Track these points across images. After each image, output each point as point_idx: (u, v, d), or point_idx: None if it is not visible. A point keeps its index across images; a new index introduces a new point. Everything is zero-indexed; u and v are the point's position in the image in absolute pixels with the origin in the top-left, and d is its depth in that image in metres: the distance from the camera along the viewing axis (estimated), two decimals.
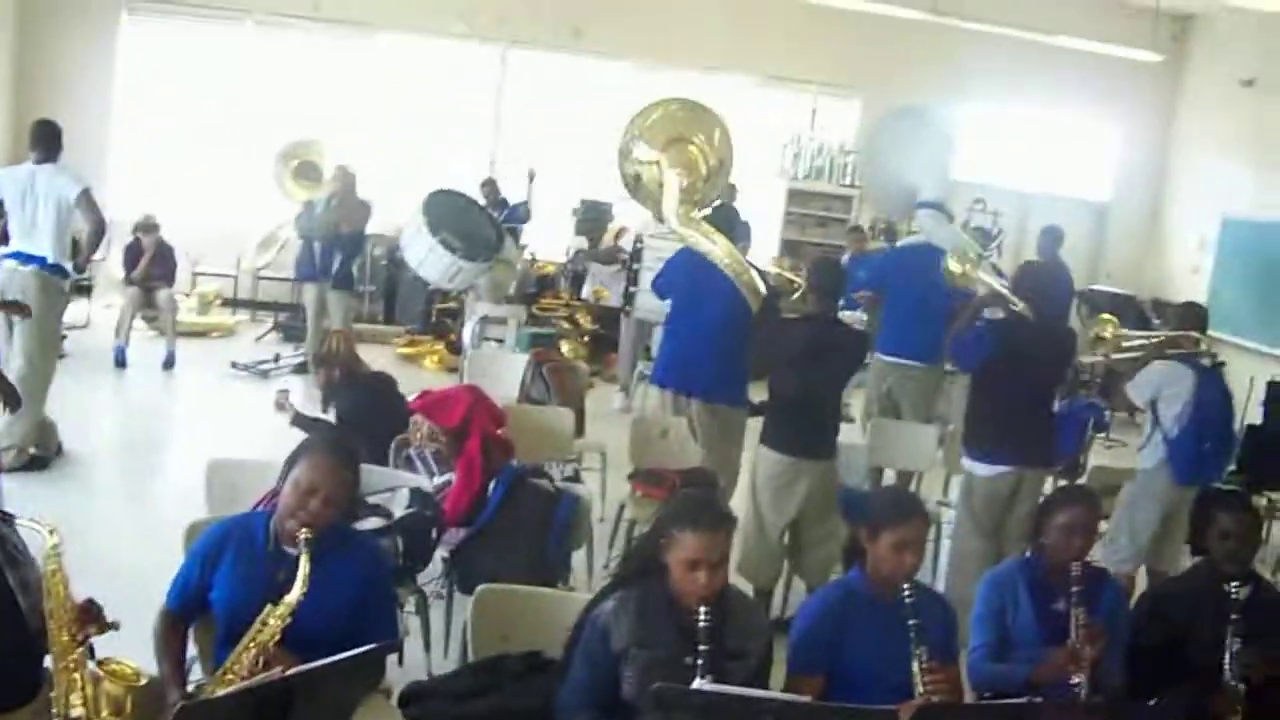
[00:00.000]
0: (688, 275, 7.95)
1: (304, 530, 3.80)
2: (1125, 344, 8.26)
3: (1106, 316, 8.76)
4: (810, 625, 4.21)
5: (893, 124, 9.98)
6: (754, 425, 7.46)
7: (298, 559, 3.78)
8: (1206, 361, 7.44)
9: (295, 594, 3.71)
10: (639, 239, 10.85)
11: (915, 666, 3.93)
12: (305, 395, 10.78)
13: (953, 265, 8.03)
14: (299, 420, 6.95)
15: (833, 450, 6.93)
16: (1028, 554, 4.91)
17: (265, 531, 3.96)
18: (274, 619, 3.70)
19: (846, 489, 7.26)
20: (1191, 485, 7.24)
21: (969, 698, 4.56)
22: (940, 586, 7.41)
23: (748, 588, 6.32)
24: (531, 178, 13.64)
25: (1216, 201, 15.27)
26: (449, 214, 11.05)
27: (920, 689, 3.89)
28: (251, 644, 3.69)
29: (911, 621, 3.95)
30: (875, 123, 10.16)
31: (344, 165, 12.22)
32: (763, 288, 7.71)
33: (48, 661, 3.57)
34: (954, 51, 14.86)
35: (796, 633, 4.22)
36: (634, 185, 8.48)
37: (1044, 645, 4.50)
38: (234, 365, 11.46)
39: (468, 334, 11.07)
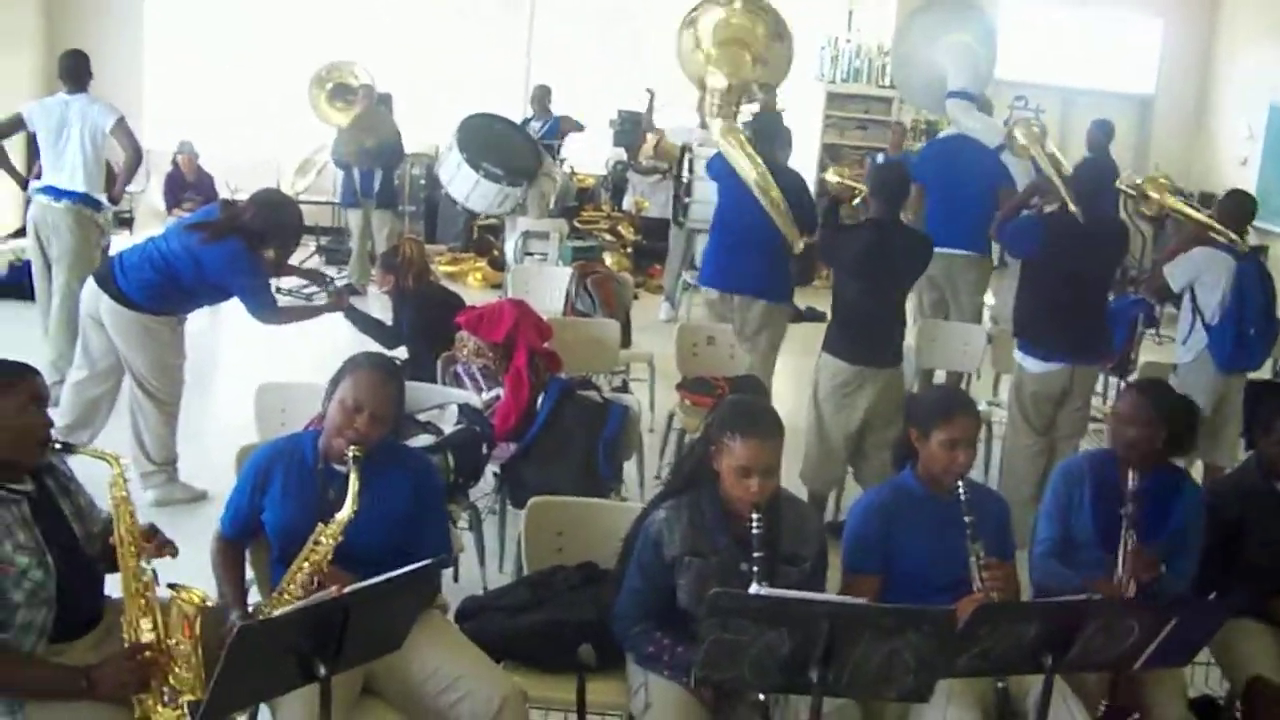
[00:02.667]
0: (733, 175, 7.91)
1: (352, 448, 3.80)
2: (1171, 207, 8.19)
3: (1158, 175, 8.64)
4: (863, 524, 4.21)
5: (924, 16, 9.88)
6: (805, 331, 7.46)
7: (347, 476, 3.79)
8: (1245, 248, 7.36)
9: (346, 511, 3.73)
10: (688, 148, 10.76)
11: (972, 563, 3.93)
12: (345, 319, 10.91)
13: (1019, 135, 7.98)
14: (353, 316, 7.01)
15: (898, 357, 6.87)
16: (1104, 447, 4.87)
17: (314, 451, 3.98)
18: (326, 537, 3.72)
19: (910, 395, 7.25)
20: (1237, 373, 7.22)
21: (1029, 593, 4.58)
22: (994, 485, 7.42)
23: (802, 491, 6.33)
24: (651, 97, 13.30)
25: (1264, 90, 15.01)
26: (486, 140, 11.05)
27: (978, 585, 3.89)
28: (305, 563, 3.72)
29: (967, 518, 3.95)
30: (907, 14, 9.99)
31: (368, 84, 12.20)
32: (780, 199, 7.66)
33: (105, 590, 3.62)
34: None
35: (850, 532, 4.22)
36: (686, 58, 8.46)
37: (1102, 550, 4.49)
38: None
39: (510, 249, 11.07)
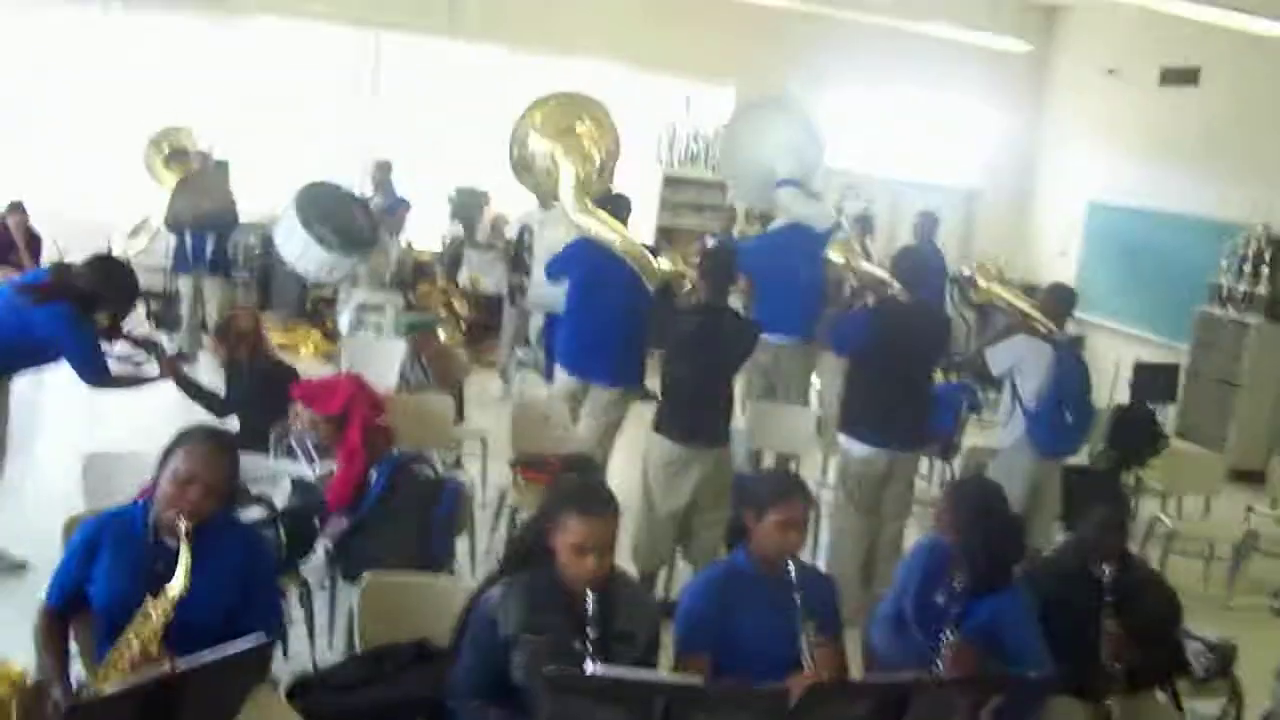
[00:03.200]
0: (588, 262, 8.03)
1: (184, 521, 3.75)
2: (996, 294, 8.43)
3: (987, 262, 8.91)
4: (696, 604, 4.26)
5: (750, 113, 10.13)
6: (641, 410, 7.54)
7: (177, 550, 3.73)
8: (1064, 338, 7.64)
9: (177, 586, 3.67)
10: (525, 230, 10.83)
11: (804, 641, 4.00)
12: (176, 386, 10.70)
13: (834, 255, 8.19)
14: (184, 384, 6.92)
15: (725, 437, 7.01)
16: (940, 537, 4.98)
17: (144, 523, 3.91)
18: (155, 611, 3.66)
19: (738, 475, 7.36)
20: (1054, 458, 7.46)
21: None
22: (821, 565, 7.55)
23: (633, 570, 6.38)
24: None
25: (1083, 187, 15.61)
26: (323, 208, 10.98)
27: (809, 664, 3.96)
28: (133, 638, 3.65)
29: (798, 596, 4.02)
30: (733, 113, 10.25)
31: (204, 151, 12.07)
32: (660, 268, 7.83)
33: None
34: (826, 39, 14.95)
35: (683, 613, 4.27)
36: (524, 173, 8.57)
37: (924, 635, 4.61)
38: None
39: (344, 321, 11.00)
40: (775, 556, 4.19)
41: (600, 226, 8.05)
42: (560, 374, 8.33)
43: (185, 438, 3.95)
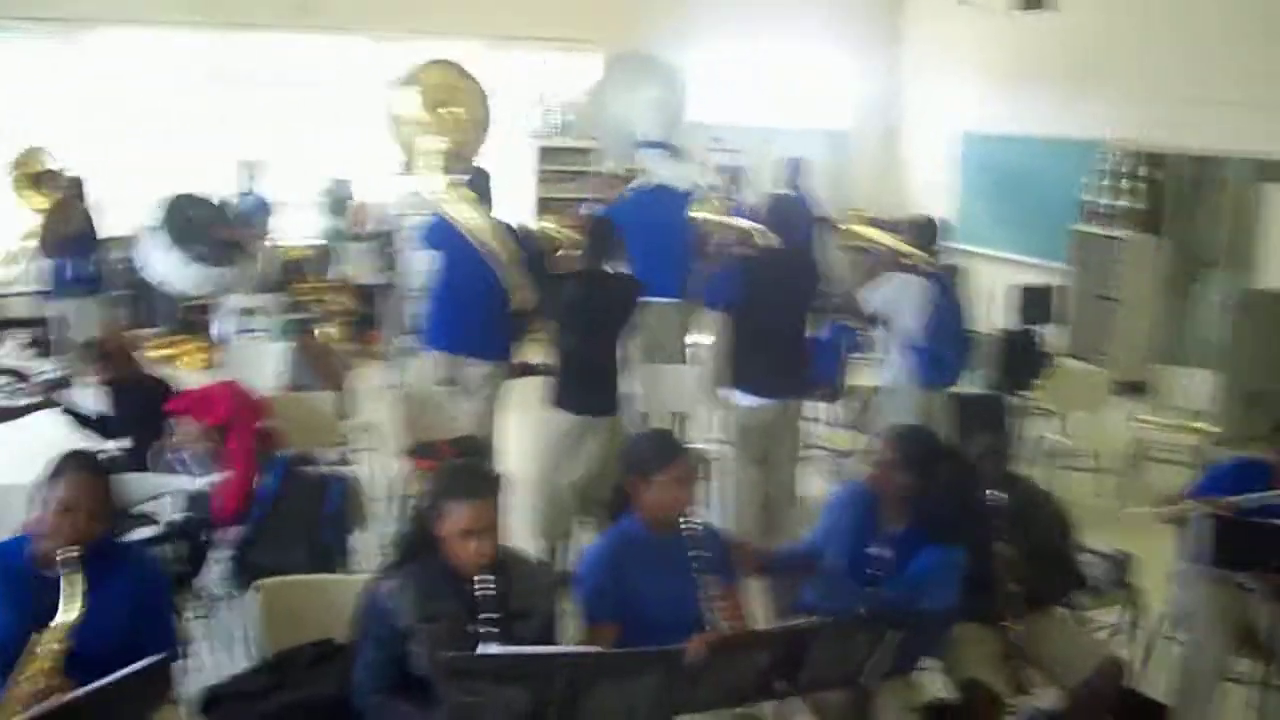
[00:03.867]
0: (448, 239, 7.97)
1: (68, 549, 3.70)
2: (864, 235, 8.49)
3: (856, 210, 8.98)
4: (594, 575, 4.27)
5: (612, 74, 10.12)
6: (525, 386, 7.54)
7: (57, 581, 3.69)
8: (935, 270, 7.70)
9: (72, 614, 3.63)
10: (396, 215, 10.76)
11: (704, 596, 4.02)
12: (57, 411, 10.52)
13: (699, 213, 8.22)
14: (69, 410, 6.81)
15: (617, 404, 7.01)
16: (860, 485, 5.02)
17: (24, 557, 3.84)
18: (46, 645, 3.60)
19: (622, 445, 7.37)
20: (936, 389, 7.52)
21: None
22: (716, 521, 7.59)
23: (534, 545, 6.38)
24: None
25: (955, 119, 15.74)
26: (184, 222, 10.87)
27: (711, 619, 3.98)
28: (26, 674, 3.58)
29: (692, 552, 4.04)
30: (597, 76, 10.24)
31: (62, 169, 11.85)
32: (500, 249, 7.78)
33: None
34: None
35: (582, 585, 4.28)
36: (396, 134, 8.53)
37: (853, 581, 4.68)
38: None
39: (221, 329, 10.88)
40: (667, 517, 4.21)
41: (466, 207, 7.99)
42: (429, 354, 8.28)
43: (58, 468, 3.90)
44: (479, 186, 8.27)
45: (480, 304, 7.89)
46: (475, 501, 3.77)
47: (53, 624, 3.62)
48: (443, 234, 8.10)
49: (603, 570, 4.26)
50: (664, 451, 4.34)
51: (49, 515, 3.79)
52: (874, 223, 9.16)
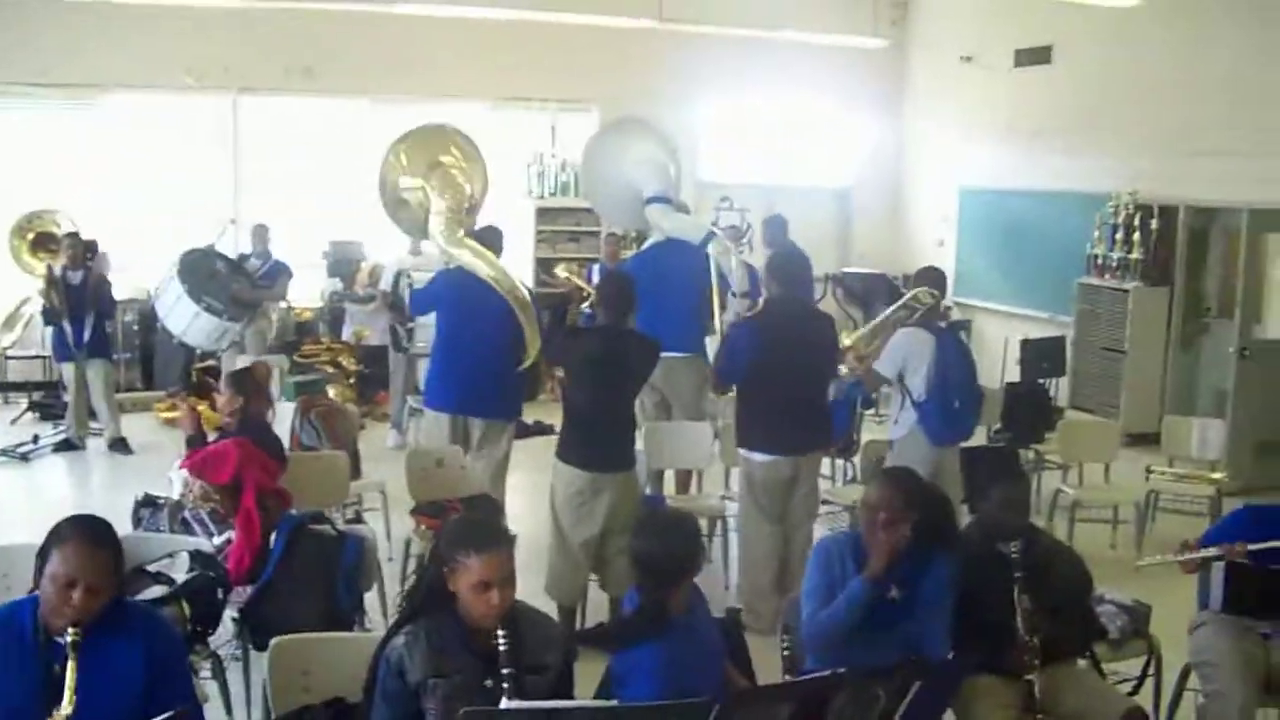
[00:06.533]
0: (458, 295, 8.00)
1: (71, 631, 3.58)
2: (870, 338, 8.41)
3: (845, 335, 8.81)
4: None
5: (601, 140, 10.12)
6: (535, 445, 7.50)
7: (67, 648, 3.61)
8: (943, 323, 7.67)
9: (65, 709, 3.52)
10: (402, 274, 10.76)
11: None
12: (69, 473, 10.53)
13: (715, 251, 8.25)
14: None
15: (632, 460, 6.98)
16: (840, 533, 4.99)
17: (33, 621, 3.71)
18: None
19: (646, 496, 7.37)
20: (947, 445, 7.47)
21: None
22: (733, 577, 7.56)
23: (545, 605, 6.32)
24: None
25: (953, 175, 15.82)
26: (204, 275, 10.92)
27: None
28: None
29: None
30: (586, 143, 10.24)
31: (73, 232, 11.88)
32: (527, 298, 7.82)
33: None
34: (686, 56, 15.02)
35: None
36: (397, 211, 8.54)
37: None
38: None
39: None
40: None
41: (474, 258, 8.01)
42: (431, 415, 8.24)
43: (57, 538, 3.73)
44: (489, 242, 8.29)
45: (488, 363, 7.89)
46: (490, 553, 3.74)
47: (56, 714, 3.53)
48: (452, 287, 8.11)
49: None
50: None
51: (50, 589, 3.65)
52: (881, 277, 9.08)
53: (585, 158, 10.21)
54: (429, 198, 8.56)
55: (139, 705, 3.71)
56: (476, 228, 8.66)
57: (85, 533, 3.78)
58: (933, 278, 7.91)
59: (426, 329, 9.36)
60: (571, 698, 3.83)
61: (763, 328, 7.20)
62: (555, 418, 7.78)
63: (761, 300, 7.65)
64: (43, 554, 3.72)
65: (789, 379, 7.03)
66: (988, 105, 15.14)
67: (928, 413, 7.38)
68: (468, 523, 4.12)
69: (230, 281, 11.40)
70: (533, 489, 8.68)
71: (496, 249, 8.29)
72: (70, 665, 3.55)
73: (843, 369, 7.96)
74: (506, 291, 7.84)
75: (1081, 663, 5.30)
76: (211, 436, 7.02)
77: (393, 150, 8.81)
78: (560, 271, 9.87)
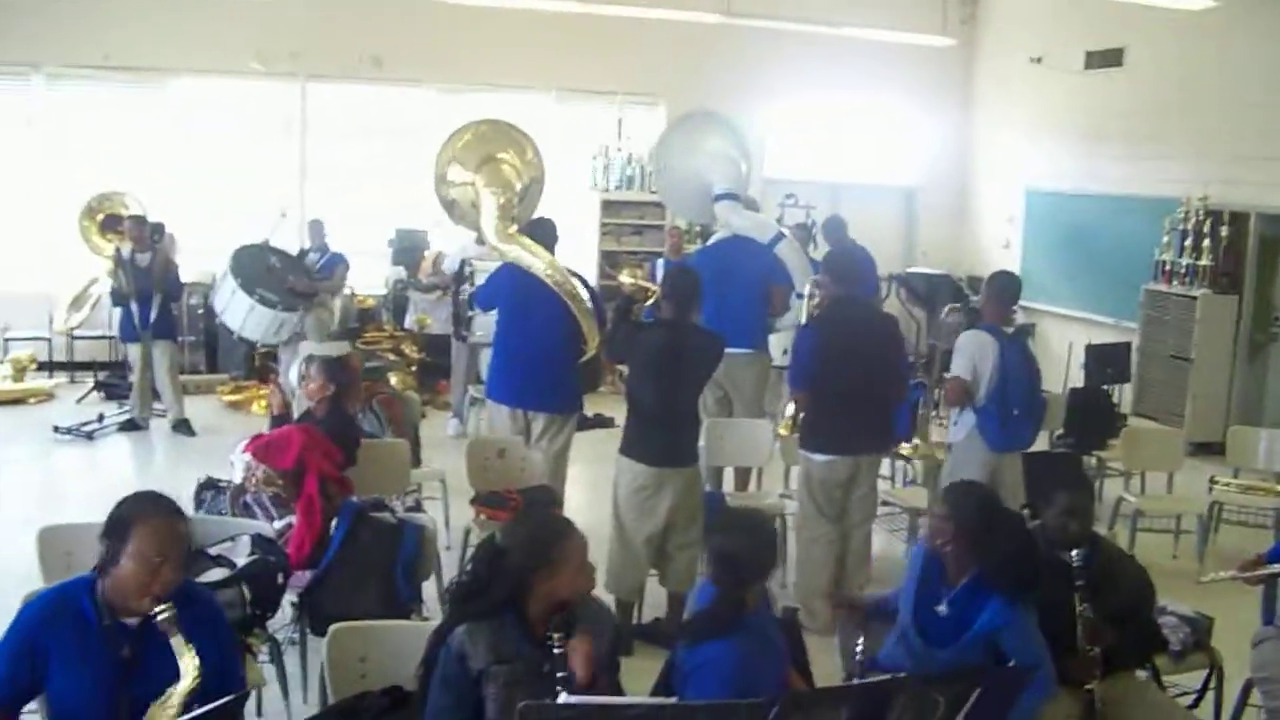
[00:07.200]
0: (514, 290, 8.02)
1: (164, 611, 3.59)
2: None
3: None
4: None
5: (677, 130, 10.11)
6: (595, 438, 7.49)
7: (138, 631, 3.66)
8: (1009, 329, 7.57)
9: (187, 681, 3.59)
10: (466, 263, 10.80)
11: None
12: (132, 453, 10.61)
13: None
14: None
15: (695, 456, 6.96)
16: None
17: (94, 605, 3.69)
18: (164, 713, 3.59)
19: (706, 493, 7.35)
20: (1005, 452, 7.37)
21: None
22: (790, 576, 7.53)
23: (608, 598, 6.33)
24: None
25: (1019, 176, 15.72)
26: (259, 268, 11.00)
27: None
28: None
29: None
30: (662, 133, 10.22)
31: (140, 215, 11.97)
32: (585, 295, 7.82)
33: None
34: (753, 51, 15.02)
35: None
36: (450, 208, 8.55)
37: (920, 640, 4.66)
38: (56, 429, 11.12)
39: (292, 375, 10.92)
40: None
41: (524, 253, 8.02)
42: (494, 407, 8.25)
43: (139, 514, 3.72)
44: (542, 235, 8.29)
45: (546, 357, 7.91)
46: (576, 536, 3.96)
47: (173, 690, 3.58)
48: (509, 283, 8.14)
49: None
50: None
51: (138, 569, 3.63)
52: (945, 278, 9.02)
53: (659, 147, 10.22)
54: (478, 193, 8.58)
55: (201, 683, 3.69)
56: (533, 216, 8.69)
57: (167, 507, 3.82)
58: (1005, 286, 7.73)
59: (486, 318, 9.38)
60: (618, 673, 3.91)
61: (821, 329, 7.16)
62: (616, 410, 7.78)
63: (818, 297, 7.59)
64: (118, 533, 3.70)
65: (848, 379, 6.98)
66: (1056, 107, 15.03)
67: (987, 417, 7.31)
68: (541, 522, 4.13)
69: (285, 275, 11.46)
70: (593, 482, 8.69)
71: (549, 241, 8.29)
72: (177, 638, 3.60)
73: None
74: (559, 286, 7.85)
75: (1142, 674, 5.26)
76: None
77: (449, 142, 8.84)
78: (625, 277, 9.84)
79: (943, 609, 4.67)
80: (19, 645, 3.66)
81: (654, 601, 7.07)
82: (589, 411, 11.18)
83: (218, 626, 3.96)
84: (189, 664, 3.57)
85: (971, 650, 4.52)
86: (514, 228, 8.33)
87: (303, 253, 12.52)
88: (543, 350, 7.91)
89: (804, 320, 7.73)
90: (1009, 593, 4.57)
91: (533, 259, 7.97)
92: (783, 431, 7.60)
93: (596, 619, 4.01)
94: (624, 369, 7.33)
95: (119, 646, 3.66)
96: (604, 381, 9.18)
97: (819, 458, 7.08)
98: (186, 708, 3.58)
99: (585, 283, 8.21)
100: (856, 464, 7.14)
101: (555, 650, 3.62)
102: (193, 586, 4.17)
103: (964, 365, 7.35)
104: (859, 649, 4.08)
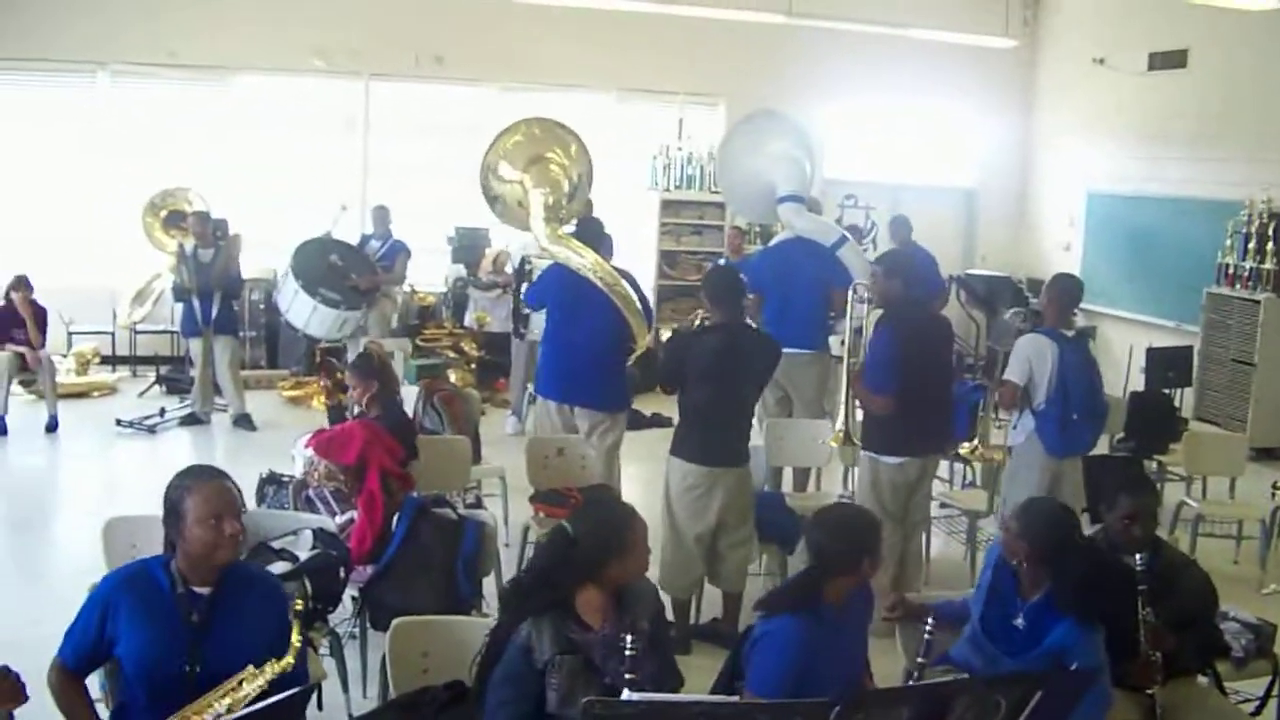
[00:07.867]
0: (563, 289, 8.08)
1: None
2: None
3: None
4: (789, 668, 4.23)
5: (741, 130, 10.11)
6: (649, 437, 7.49)
7: (208, 597, 3.79)
8: (1070, 332, 7.50)
9: (287, 658, 3.73)
10: (525, 260, 10.85)
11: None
12: (193, 447, 10.71)
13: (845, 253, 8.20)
14: None
15: (746, 456, 6.97)
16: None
17: (167, 575, 3.85)
18: (253, 681, 3.68)
19: (762, 493, 7.35)
20: (1065, 457, 7.31)
21: None
22: None
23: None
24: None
25: (1080, 178, 15.61)
26: (321, 265, 11.08)
27: None
28: (220, 699, 3.67)
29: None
30: (726, 132, 10.22)
31: (203, 211, 12.08)
32: (634, 295, 7.84)
33: None
34: (814, 52, 14.99)
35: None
36: (494, 202, 8.60)
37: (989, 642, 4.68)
38: (119, 423, 11.23)
39: None
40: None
41: (573, 255, 8.05)
42: (540, 402, 8.31)
43: (187, 486, 3.89)
44: (589, 234, 8.33)
45: (593, 355, 7.97)
46: (643, 525, 4.07)
47: (272, 663, 3.70)
48: (559, 282, 8.19)
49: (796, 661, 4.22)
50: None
51: (203, 532, 3.78)
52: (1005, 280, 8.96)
53: (723, 147, 10.23)
54: (526, 192, 8.61)
55: (248, 662, 3.77)
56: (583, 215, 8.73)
57: (210, 472, 4.01)
58: (1067, 289, 7.65)
59: (542, 316, 9.43)
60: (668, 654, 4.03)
61: (898, 331, 7.11)
62: (671, 409, 7.78)
63: (877, 296, 7.56)
64: (176, 512, 3.86)
65: (918, 381, 6.95)
66: (1118, 108, 14.92)
67: (1046, 421, 7.25)
68: (605, 521, 4.14)
69: (347, 271, 11.54)
70: (648, 480, 8.71)
71: (597, 239, 8.32)
72: (295, 625, 3.77)
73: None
74: (607, 287, 7.87)
75: (1203, 680, 5.22)
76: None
77: (498, 141, 8.87)
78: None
79: (1019, 622, 4.65)
80: (99, 606, 3.83)
81: (712, 598, 7.08)
82: (646, 411, 11.21)
83: (280, 612, 3.99)
84: (293, 649, 3.72)
85: (1039, 664, 4.50)
86: (562, 228, 8.37)
87: (364, 240, 12.61)
88: (589, 348, 7.96)
89: (850, 319, 7.68)
90: (1080, 616, 4.54)
91: (581, 260, 8.00)
92: (833, 444, 7.62)
93: (642, 594, 4.10)
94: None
95: (190, 612, 3.80)
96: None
97: (890, 460, 7.05)
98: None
99: (634, 283, 8.23)
100: (924, 465, 7.14)
101: (628, 653, 3.63)
102: (258, 572, 4.31)
103: (1019, 370, 7.30)
104: (923, 649, 4.11)
